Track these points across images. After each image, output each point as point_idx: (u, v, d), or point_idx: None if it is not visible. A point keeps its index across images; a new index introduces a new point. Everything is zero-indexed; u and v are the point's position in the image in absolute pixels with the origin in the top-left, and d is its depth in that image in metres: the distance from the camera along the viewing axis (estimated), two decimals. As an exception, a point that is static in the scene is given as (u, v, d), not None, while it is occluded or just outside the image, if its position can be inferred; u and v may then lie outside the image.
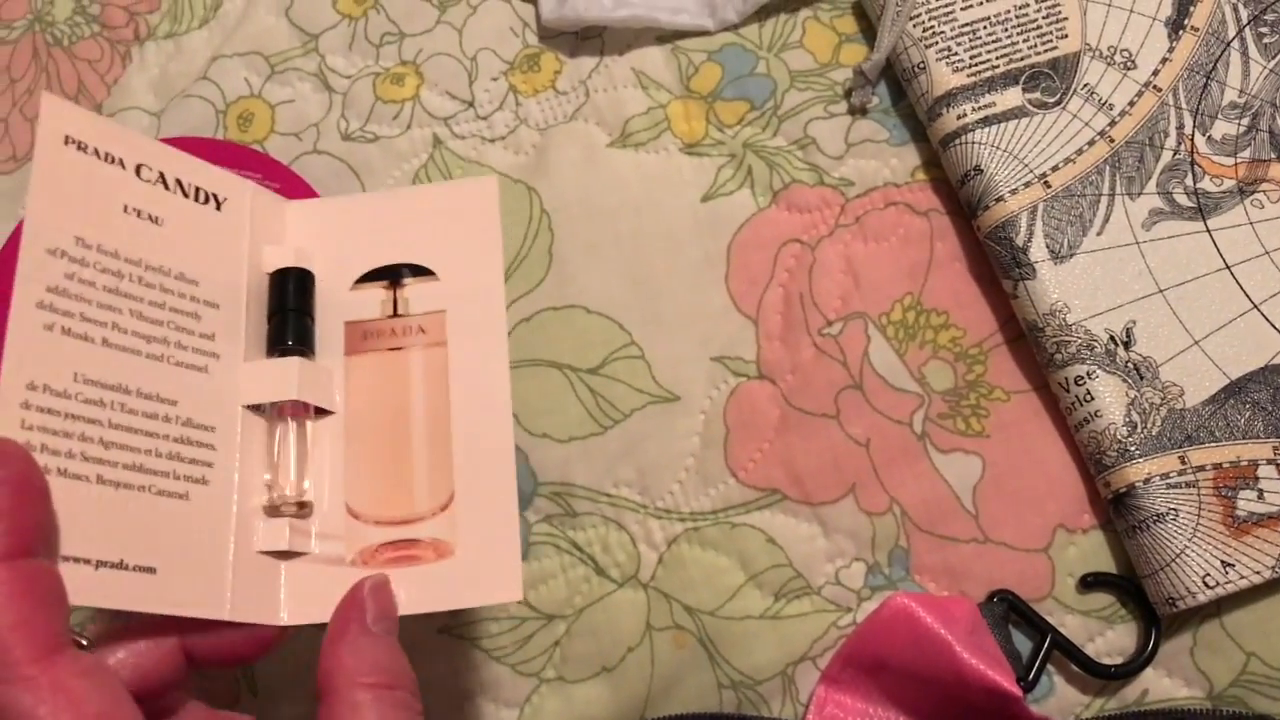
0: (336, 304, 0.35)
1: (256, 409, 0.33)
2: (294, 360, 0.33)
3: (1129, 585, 0.40)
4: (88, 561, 0.28)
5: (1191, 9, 0.45)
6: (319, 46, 0.49)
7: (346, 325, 0.35)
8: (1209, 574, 0.38)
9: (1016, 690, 0.36)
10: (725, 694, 0.41)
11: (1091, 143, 0.43)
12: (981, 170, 0.43)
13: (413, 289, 0.35)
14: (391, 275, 0.35)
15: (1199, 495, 0.39)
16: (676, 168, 0.46)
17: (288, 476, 0.33)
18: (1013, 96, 0.44)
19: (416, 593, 0.32)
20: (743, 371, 0.44)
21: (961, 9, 0.45)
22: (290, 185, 0.47)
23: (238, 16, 0.50)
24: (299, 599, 0.32)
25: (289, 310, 0.34)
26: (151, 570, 0.29)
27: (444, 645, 0.42)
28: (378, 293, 0.35)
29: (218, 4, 0.50)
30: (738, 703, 0.41)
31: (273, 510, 0.32)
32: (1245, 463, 0.39)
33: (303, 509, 0.33)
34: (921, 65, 0.44)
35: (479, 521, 0.32)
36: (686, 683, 0.41)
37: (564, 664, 0.42)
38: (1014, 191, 0.42)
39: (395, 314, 0.35)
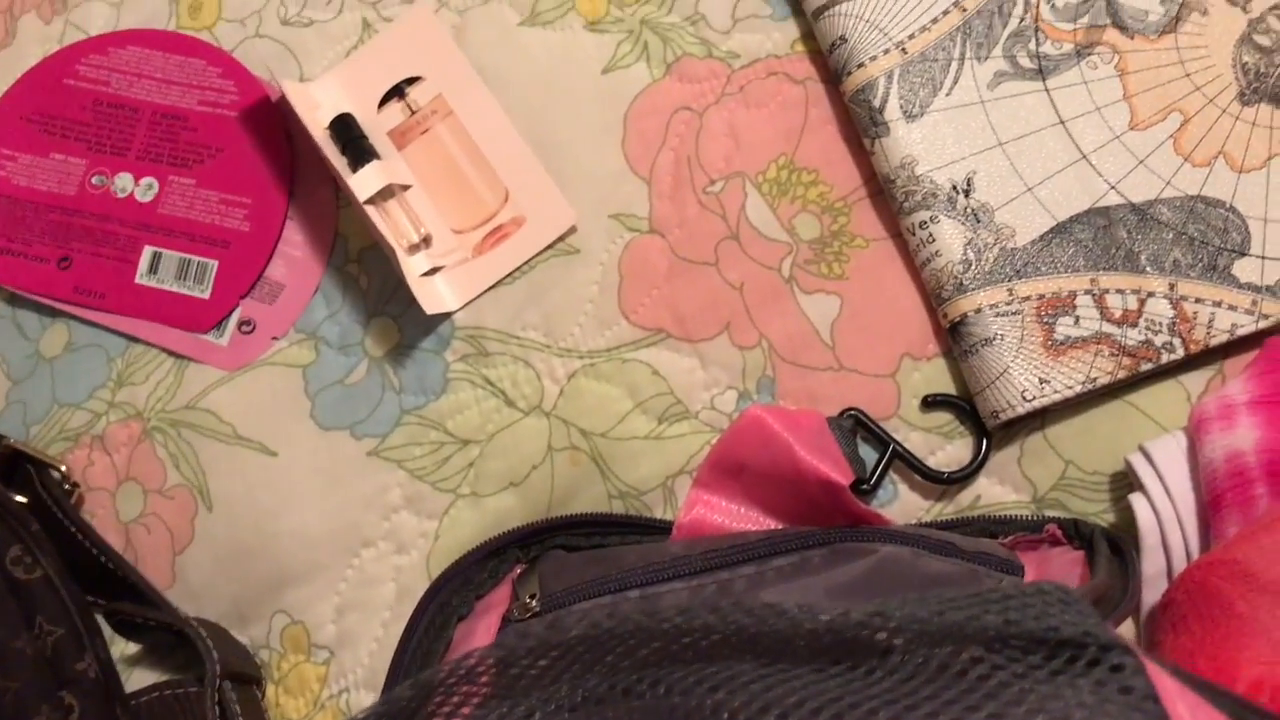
0: (376, 127, 0.51)
1: (371, 203, 0.48)
2: (371, 165, 0.49)
3: (965, 405, 0.46)
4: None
5: (1045, -113, 0.48)
6: (259, -60, 0.54)
7: (389, 134, 0.51)
8: (1027, 389, 0.44)
9: (842, 480, 0.41)
10: (615, 502, 0.47)
11: (946, 12, 0.47)
12: (846, 39, 0.47)
13: (413, 92, 0.51)
14: (396, 90, 0.51)
15: (1023, 322, 0.44)
16: (580, 44, 0.51)
17: (409, 228, 0.49)
18: (877, -29, 0.48)
19: (518, 250, 0.49)
20: (636, 227, 0.49)
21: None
22: (230, 70, 0.52)
23: (185, -86, 0.55)
24: (452, 291, 0.49)
25: (350, 139, 0.50)
26: None
27: (374, 466, 0.49)
28: (395, 107, 0.51)
29: (167, -97, 0.55)
30: (625, 509, 0.47)
31: (413, 249, 0.49)
32: (1066, 293, 0.44)
33: (427, 242, 0.50)
34: (797, -55, 0.49)
35: (528, 194, 0.50)
36: (582, 494, 0.47)
37: (477, 480, 0.48)
38: (874, 58, 0.47)
39: (412, 113, 0.51)
